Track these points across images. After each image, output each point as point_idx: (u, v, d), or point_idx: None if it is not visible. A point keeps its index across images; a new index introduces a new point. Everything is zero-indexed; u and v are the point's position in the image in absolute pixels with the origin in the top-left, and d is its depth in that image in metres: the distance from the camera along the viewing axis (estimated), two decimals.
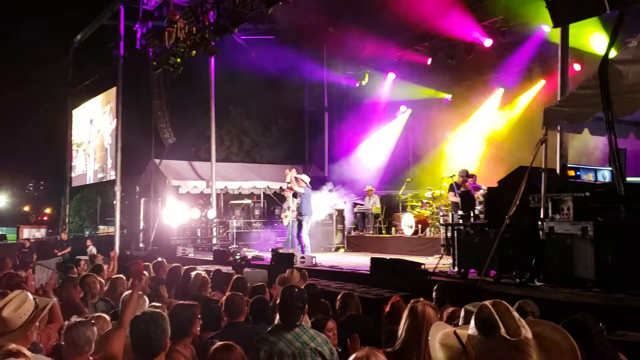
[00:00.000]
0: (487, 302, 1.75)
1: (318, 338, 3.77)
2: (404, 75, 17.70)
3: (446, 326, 1.94)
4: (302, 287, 5.27)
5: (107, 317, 4.20)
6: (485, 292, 6.60)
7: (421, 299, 3.47)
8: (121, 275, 6.42)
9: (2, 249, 18.94)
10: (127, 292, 4.96)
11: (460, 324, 2.84)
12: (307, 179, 12.41)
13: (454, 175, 11.34)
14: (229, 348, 3.29)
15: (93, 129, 23.35)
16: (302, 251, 12.01)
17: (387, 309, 4.71)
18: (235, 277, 6.69)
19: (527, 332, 1.68)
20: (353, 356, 2.77)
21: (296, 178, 12.28)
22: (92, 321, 3.61)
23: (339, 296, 5.44)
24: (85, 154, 24.05)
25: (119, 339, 3.24)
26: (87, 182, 24.39)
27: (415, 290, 7.21)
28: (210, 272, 7.58)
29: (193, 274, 6.20)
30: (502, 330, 1.66)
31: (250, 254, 12.71)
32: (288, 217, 13.01)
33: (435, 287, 5.87)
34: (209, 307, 4.92)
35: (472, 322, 1.75)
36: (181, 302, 4.18)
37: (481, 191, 11.03)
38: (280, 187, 16.14)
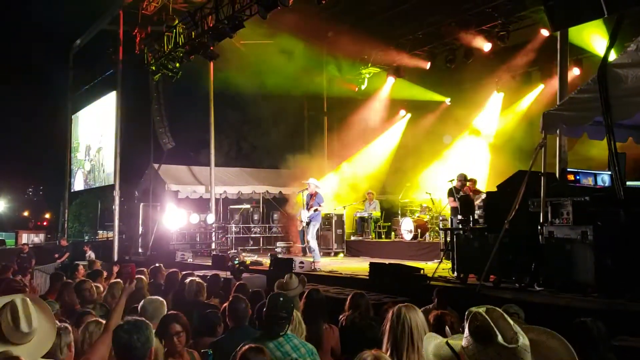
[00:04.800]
0: (480, 309, 1.71)
1: (302, 348, 3.72)
2: (403, 79, 17.69)
3: (437, 337, 1.90)
4: (304, 293, 5.24)
5: (103, 322, 4.16)
6: (485, 297, 6.58)
7: (405, 304, 3.47)
8: (119, 280, 6.39)
9: (1, 254, 18.90)
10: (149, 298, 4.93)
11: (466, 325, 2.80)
12: (315, 181, 12.48)
13: (452, 180, 11.31)
14: (261, 350, 3.26)
15: (92, 133, 23.35)
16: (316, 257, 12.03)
17: (431, 320, 4.66)
18: (237, 284, 6.67)
19: (524, 339, 1.65)
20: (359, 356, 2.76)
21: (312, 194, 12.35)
22: (66, 325, 3.55)
23: (350, 296, 5.42)
24: (86, 159, 24.04)
25: (104, 344, 3.19)
26: (84, 188, 24.41)
27: (415, 295, 7.19)
28: (206, 277, 7.56)
29: (187, 280, 6.17)
30: (500, 337, 1.63)
31: (249, 259, 12.67)
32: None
33: (434, 293, 5.85)
34: (206, 313, 4.89)
35: (466, 330, 1.71)
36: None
37: (483, 195, 11.00)
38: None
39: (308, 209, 12.35)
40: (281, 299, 3.85)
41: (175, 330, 3.89)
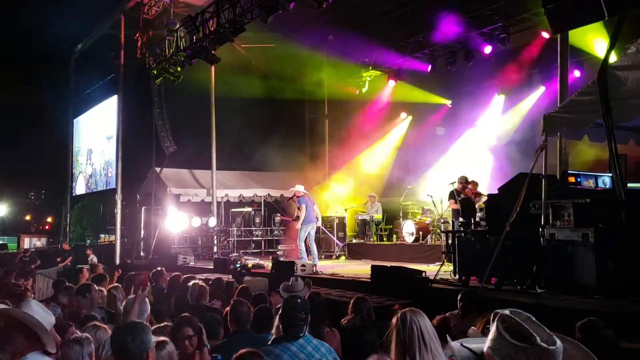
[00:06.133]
0: (507, 312, 1.72)
1: (322, 348, 3.74)
2: (404, 82, 17.71)
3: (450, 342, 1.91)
4: (306, 296, 5.26)
5: (106, 326, 4.18)
6: (486, 300, 6.57)
7: (396, 306, 3.48)
8: (118, 284, 6.41)
9: (3, 258, 18.92)
10: (129, 298, 4.97)
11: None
12: (300, 187, 12.43)
13: (453, 182, 11.32)
14: (257, 355, 3.27)
15: (94, 137, 23.39)
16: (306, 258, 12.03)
17: (435, 323, 4.65)
18: (240, 287, 6.69)
19: (559, 340, 1.68)
20: None
21: (297, 205, 12.34)
22: (87, 335, 3.59)
23: (352, 300, 5.43)
24: (88, 163, 24.09)
25: None
26: (86, 192, 24.47)
27: (416, 298, 7.20)
28: (209, 280, 7.57)
29: (190, 283, 6.18)
30: (539, 339, 1.64)
31: (250, 262, 12.67)
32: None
33: (459, 297, 5.85)
34: (207, 316, 4.89)
35: (495, 332, 1.71)
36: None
37: (484, 198, 11.02)
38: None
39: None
40: (299, 300, 3.85)
41: (187, 333, 3.93)
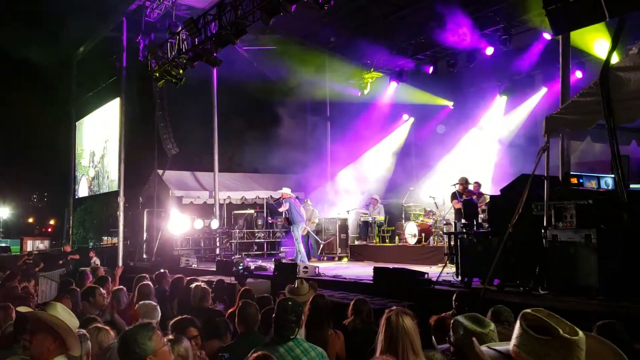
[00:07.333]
0: (529, 310, 1.80)
1: (312, 352, 3.74)
2: (406, 83, 17.72)
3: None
4: (311, 298, 5.28)
5: (108, 328, 4.19)
6: (489, 301, 6.56)
7: (394, 308, 3.52)
8: (122, 287, 6.40)
9: (6, 261, 18.95)
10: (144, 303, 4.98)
11: (451, 334, 2.88)
12: (287, 190, 12.81)
13: (455, 184, 11.33)
14: (269, 358, 3.29)
15: (96, 140, 23.44)
16: (297, 258, 12.26)
17: (432, 324, 4.65)
18: (242, 289, 6.69)
19: (580, 332, 1.76)
20: None
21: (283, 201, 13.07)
22: (83, 332, 3.61)
23: (352, 302, 5.43)
24: (90, 166, 24.13)
25: None
26: (88, 194, 24.51)
27: (419, 300, 7.20)
28: (212, 282, 7.56)
29: (192, 285, 6.18)
30: (562, 331, 1.71)
31: (253, 264, 12.69)
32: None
33: (454, 297, 5.86)
34: (211, 319, 4.91)
35: (519, 330, 1.77)
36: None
37: (486, 199, 11.02)
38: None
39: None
40: (290, 303, 3.88)
41: (191, 334, 3.97)
